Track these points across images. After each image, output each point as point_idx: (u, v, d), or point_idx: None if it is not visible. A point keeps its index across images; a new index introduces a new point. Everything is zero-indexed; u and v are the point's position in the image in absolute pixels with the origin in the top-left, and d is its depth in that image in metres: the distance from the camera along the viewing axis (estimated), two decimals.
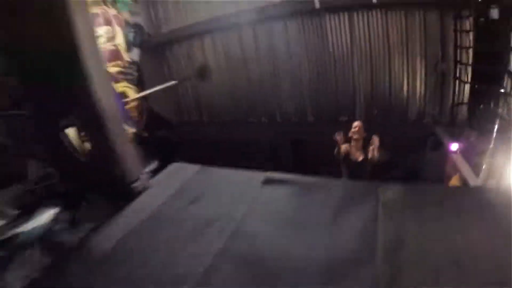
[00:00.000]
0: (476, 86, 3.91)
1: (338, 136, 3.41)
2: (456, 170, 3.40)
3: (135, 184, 2.95)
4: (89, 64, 2.67)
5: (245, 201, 2.44)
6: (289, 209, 2.33)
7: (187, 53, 5.91)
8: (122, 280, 2.02)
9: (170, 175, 3.24)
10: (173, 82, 5.42)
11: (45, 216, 3.25)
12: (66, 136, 3.76)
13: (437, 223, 1.96)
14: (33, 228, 3.17)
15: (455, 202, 2.26)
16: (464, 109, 4.25)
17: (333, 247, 1.91)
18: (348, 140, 3.45)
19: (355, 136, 3.44)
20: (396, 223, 1.97)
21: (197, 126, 6.16)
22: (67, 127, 4.03)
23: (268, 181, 2.64)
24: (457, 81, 4.33)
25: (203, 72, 5.67)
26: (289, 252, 1.89)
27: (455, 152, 3.59)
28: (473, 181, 3.18)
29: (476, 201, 2.26)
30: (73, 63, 2.68)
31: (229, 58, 5.57)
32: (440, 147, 4.00)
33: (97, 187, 3.25)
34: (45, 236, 3.12)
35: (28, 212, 3.30)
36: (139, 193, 2.94)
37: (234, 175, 2.96)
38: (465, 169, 3.29)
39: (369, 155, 3.34)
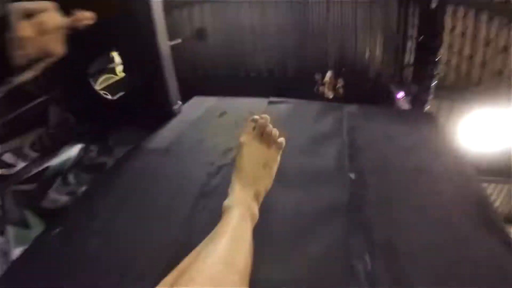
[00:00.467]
0: (420, 56, 5.26)
1: (317, 76, 4.56)
2: None
3: (175, 107, 3.45)
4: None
5: (258, 112, 3.52)
6: (287, 116, 3.39)
7: (187, 18, 6.66)
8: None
9: (196, 102, 3.79)
10: (178, 40, 6.01)
11: (74, 150, 3.26)
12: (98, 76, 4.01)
13: (381, 122, 3.15)
14: (63, 161, 3.12)
15: (400, 113, 3.56)
16: (411, 71, 5.50)
17: (314, 132, 2.89)
18: (322, 84, 4.65)
19: (327, 80, 4.61)
20: (353, 119, 3.15)
21: (191, 80, 6.75)
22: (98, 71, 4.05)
23: (272, 102, 3.72)
24: (406, 52, 5.59)
25: (201, 34, 6.53)
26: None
27: (400, 98, 4.87)
28: None
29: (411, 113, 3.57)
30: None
31: (226, 24, 6.44)
32: (391, 97, 5.28)
33: (136, 114, 3.45)
34: (79, 163, 3.16)
35: (50, 153, 3.19)
36: (176, 114, 3.44)
37: (246, 99, 3.88)
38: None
39: (336, 93, 4.55)
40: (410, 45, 5.49)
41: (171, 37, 6.09)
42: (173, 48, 6.08)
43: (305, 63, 6.15)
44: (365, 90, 5.39)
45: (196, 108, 3.73)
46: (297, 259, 1.44)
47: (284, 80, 6.21)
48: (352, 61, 5.95)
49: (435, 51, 4.85)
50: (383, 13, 5.62)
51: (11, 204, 2.57)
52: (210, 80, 6.78)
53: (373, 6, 5.61)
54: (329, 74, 4.74)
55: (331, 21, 5.90)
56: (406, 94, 4.97)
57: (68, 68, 3.30)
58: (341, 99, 4.63)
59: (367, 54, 5.86)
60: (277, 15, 6.14)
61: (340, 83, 4.65)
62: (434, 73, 4.96)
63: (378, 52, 5.83)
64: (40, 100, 3.40)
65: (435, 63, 4.92)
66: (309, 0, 5.90)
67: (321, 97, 4.62)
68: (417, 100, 4.99)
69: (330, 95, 4.62)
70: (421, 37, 5.06)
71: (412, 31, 5.37)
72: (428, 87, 4.99)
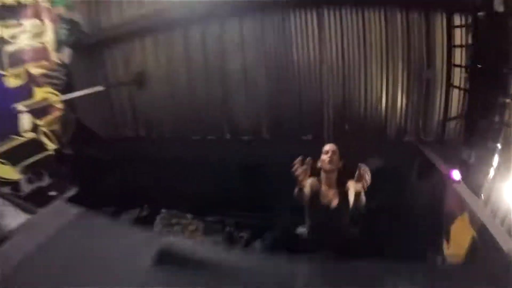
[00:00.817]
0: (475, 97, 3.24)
1: (300, 169, 1.97)
2: (462, 206, 2.49)
3: None
4: None
5: None
6: None
7: (126, 56, 5.06)
8: None
9: (38, 222, 2.71)
10: (99, 88, 4.56)
11: None
12: None
13: None
14: None
15: None
16: (455, 124, 3.70)
17: None
18: (316, 172, 2.28)
19: (327, 167, 2.27)
20: None
21: (132, 143, 5.28)
22: None
23: (163, 257, 1.90)
24: (449, 89, 3.74)
25: (140, 79, 4.87)
26: None
27: (457, 181, 2.69)
28: (489, 223, 2.27)
29: None
30: None
31: (172, 62, 4.77)
32: (430, 173, 3.13)
33: None
34: None
35: None
36: None
37: (121, 236, 2.26)
38: (476, 205, 2.39)
39: (351, 200, 2.10)
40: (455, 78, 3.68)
41: (99, 84, 4.94)
42: (110, 99, 5.33)
43: (289, 117, 4.37)
44: (381, 158, 3.39)
45: (31, 235, 2.51)
46: None
47: (257, 146, 4.45)
48: (360, 112, 4.14)
49: (506, 80, 2.88)
50: (404, 34, 3.94)
51: None
52: (153, 142, 5.16)
53: (389, 21, 3.95)
54: (329, 148, 2.24)
55: (326, 49, 4.14)
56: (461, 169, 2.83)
57: None
58: (360, 213, 2.13)
59: (383, 101, 4.05)
60: (244, 45, 4.38)
61: (365, 178, 1.97)
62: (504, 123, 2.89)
63: (400, 97, 4.11)
64: None
65: (506, 103, 2.89)
66: (291, 14, 4.19)
67: (311, 204, 2.21)
68: (475, 175, 2.87)
69: (333, 199, 2.14)
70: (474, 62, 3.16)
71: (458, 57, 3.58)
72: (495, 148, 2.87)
